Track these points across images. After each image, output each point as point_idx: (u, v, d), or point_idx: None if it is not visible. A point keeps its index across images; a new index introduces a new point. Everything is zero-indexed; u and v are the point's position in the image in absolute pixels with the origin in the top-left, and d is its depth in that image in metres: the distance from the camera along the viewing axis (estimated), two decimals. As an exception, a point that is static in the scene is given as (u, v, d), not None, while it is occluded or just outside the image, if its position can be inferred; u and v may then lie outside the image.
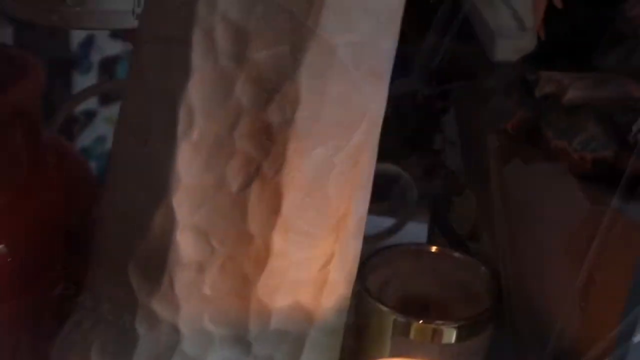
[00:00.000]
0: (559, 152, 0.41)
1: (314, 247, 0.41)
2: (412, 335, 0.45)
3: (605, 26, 0.44)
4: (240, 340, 0.42)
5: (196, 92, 0.36)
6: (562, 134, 0.41)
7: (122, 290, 0.41)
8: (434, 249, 0.52)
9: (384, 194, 0.64)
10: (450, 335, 0.45)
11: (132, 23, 0.49)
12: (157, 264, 0.40)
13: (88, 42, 0.85)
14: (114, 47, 0.89)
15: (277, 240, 0.40)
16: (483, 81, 0.50)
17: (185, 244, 0.39)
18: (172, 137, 0.37)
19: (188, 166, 0.38)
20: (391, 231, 0.64)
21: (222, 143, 0.38)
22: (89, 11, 0.48)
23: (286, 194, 0.39)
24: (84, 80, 0.87)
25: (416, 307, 0.48)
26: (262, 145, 0.38)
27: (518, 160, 0.44)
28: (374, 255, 0.50)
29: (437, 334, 0.45)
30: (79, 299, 0.45)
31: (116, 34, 0.86)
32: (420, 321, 0.45)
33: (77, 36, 0.84)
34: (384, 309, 0.46)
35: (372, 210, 0.47)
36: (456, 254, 0.51)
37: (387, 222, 0.65)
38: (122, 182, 0.40)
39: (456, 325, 0.45)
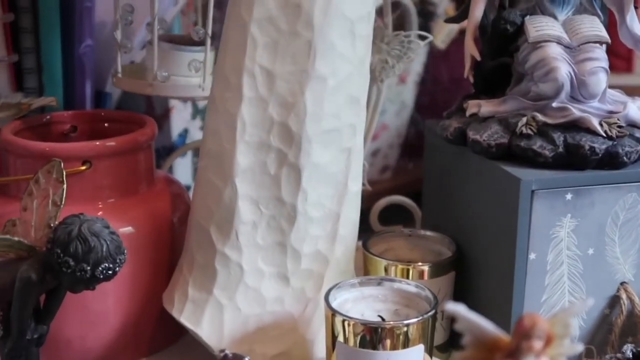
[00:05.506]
0: (474, 144, 0.65)
1: (325, 211, 0.66)
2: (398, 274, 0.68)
3: (508, 69, 0.69)
4: (282, 276, 0.66)
5: (246, 111, 0.62)
6: (476, 132, 0.65)
7: (207, 244, 0.66)
8: (417, 231, 0.75)
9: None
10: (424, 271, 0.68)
11: (201, 94, 0.75)
12: (228, 223, 0.65)
13: (184, 133, 1.11)
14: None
15: (300, 206, 0.64)
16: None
17: (244, 208, 0.64)
18: (233, 139, 0.63)
19: (244, 157, 0.63)
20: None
21: (263, 142, 0.63)
22: (172, 85, 0.75)
23: (303, 174, 0.63)
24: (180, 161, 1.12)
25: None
26: (288, 143, 0.63)
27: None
28: (377, 233, 0.74)
29: (415, 270, 0.68)
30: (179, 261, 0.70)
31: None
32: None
33: (177, 129, 1.10)
34: (378, 259, 0.69)
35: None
36: (430, 233, 0.74)
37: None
38: (204, 173, 0.65)
39: (427, 265, 0.68)
